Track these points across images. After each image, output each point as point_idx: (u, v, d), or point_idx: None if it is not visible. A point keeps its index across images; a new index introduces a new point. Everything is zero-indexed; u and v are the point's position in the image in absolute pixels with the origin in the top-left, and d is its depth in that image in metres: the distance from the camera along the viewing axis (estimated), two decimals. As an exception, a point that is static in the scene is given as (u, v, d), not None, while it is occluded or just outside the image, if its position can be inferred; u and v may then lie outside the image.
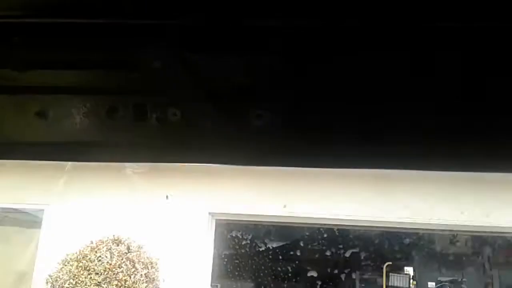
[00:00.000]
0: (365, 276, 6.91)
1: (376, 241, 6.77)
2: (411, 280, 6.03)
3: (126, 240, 4.58)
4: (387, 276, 5.93)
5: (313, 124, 0.64)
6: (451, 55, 0.61)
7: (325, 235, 6.69)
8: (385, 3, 0.58)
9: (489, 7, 0.57)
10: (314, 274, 6.68)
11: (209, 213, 5.01)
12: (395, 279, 5.99)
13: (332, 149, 0.68)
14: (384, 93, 0.65)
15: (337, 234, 6.64)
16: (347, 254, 6.62)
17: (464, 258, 6.79)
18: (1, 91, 0.68)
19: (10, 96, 0.68)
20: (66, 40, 0.64)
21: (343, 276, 6.78)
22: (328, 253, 6.78)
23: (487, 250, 6.86)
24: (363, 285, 6.90)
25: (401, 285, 5.95)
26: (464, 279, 6.39)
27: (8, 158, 0.68)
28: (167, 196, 4.72)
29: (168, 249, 4.44)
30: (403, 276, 6.00)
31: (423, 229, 6.20)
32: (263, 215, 5.17)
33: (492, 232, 6.19)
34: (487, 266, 6.66)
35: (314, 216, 5.06)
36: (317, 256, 6.69)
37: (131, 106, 0.65)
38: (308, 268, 6.73)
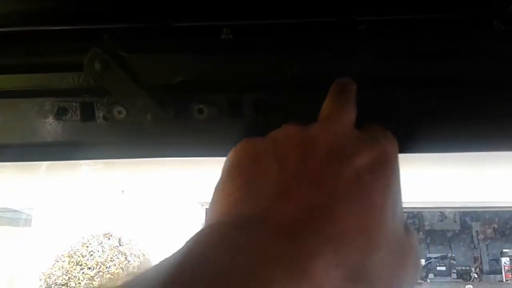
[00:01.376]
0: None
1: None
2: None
3: (117, 234, 4.62)
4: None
5: (252, 117, 0.68)
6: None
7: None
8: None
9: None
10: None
11: (199, 203, 5.06)
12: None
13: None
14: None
15: None
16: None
17: (452, 234, 6.91)
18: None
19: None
20: (13, 47, 0.68)
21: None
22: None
23: (475, 225, 6.99)
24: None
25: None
26: (453, 255, 6.52)
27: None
28: (122, 191, 4.74)
29: (160, 241, 4.49)
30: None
31: (412, 207, 6.29)
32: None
33: (478, 208, 6.30)
34: (475, 240, 6.79)
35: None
36: None
37: (79, 106, 0.69)
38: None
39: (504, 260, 6.07)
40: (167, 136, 0.67)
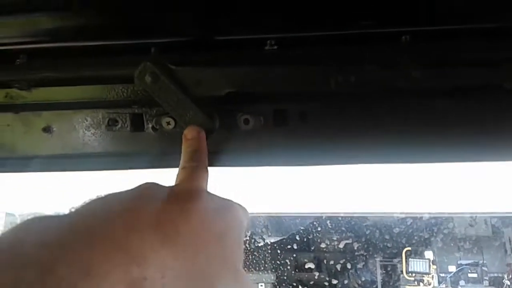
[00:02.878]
0: (385, 263, 6.95)
1: (394, 228, 6.79)
2: (431, 265, 6.05)
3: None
4: (407, 262, 5.96)
5: (297, 127, 0.69)
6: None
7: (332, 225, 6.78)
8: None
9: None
10: (333, 262, 6.75)
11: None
12: (415, 264, 6.01)
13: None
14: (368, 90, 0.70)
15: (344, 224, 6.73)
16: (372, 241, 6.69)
17: (484, 240, 6.77)
18: (10, 109, 0.74)
19: (18, 113, 0.74)
20: (65, 60, 0.70)
21: (363, 263, 6.85)
22: (343, 242, 6.83)
23: (507, 231, 6.83)
24: (383, 271, 6.94)
25: (421, 270, 5.97)
26: (484, 262, 6.38)
27: (18, 171, 0.74)
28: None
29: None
30: (423, 261, 6.02)
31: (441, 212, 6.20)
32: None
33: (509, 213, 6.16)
34: (507, 247, 6.63)
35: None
36: (331, 246, 6.76)
37: (129, 117, 0.71)
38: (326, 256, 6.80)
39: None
40: (214, 146, 0.69)
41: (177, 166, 0.62)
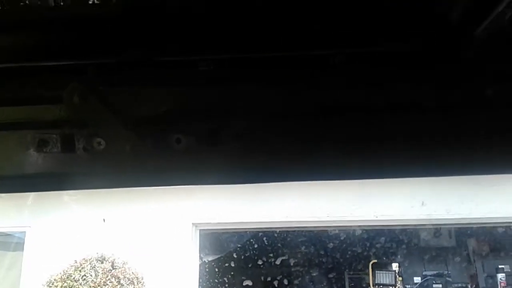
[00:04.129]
0: (354, 275, 6.99)
1: (361, 241, 6.85)
2: (397, 276, 6.11)
3: (110, 257, 4.58)
4: (373, 274, 6.00)
5: (232, 146, 0.69)
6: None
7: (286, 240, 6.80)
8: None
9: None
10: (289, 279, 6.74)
11: (193, 224, 5.03)
12: (381, 277, 6.06)
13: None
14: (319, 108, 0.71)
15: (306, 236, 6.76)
16: (338, 255, 6.74)
17: (448, 251, 6.89)
18: None
19: None
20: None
21: (333, 276, 6.88)
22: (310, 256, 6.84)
23: (471, 242, 6.97)
24: (352, 284, 6.97)
25: (387, 282, 6.02)
26: (449, 272, 6.48)
27: None
28: (104, 220, 4.74)
29: (154, 263, 4.45)
30: (389, 273, 6.07)
31: (407, 224, 6.29)
32: (248, 222, 5.22)
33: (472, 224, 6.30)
34: (471, 258, 6.77)
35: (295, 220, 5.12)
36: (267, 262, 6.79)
37: (59, 138, 0.70)
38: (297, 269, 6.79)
39: (500, 276, 6.05)
40: (146, 166, 0.68)
41: (110, 187, 0.61)
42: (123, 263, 4.77)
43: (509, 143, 0.66)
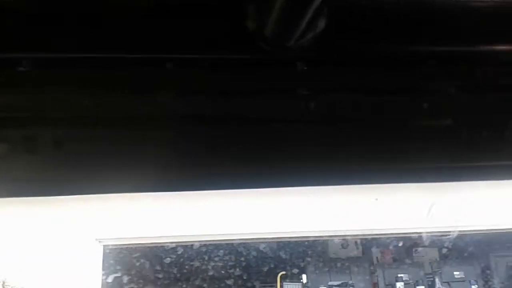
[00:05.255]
0: (264, 287, 7.04)
1: (271, 253, 6.93)
2: (304, 287, 6.23)
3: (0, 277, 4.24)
4: (281, 285, 6.08)
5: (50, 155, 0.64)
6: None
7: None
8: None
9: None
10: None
11: (96, 239, 4.80)
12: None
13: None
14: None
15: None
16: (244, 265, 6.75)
17: (353, 261, 7.13)
18: None
19: None
20: None
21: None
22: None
23: (374, 252, 7.28)
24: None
25: (294, 293, 6.12)
26: (352, 282, 6.71)
27: None
28: None
29: (50, 285, 4.18)
30: (296, 284, 6.18)
31: (316, 236, 6.43)
32: (159, 236, 5.06)
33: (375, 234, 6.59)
34: (373, 267, 7.06)
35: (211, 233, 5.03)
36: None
37: None
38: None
39: (399, 285, 6.36)
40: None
41: None
42: (17, 283, 4.45)
43: (321, 155, 0.67)
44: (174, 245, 6.29)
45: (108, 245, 5.42)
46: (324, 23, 0.76)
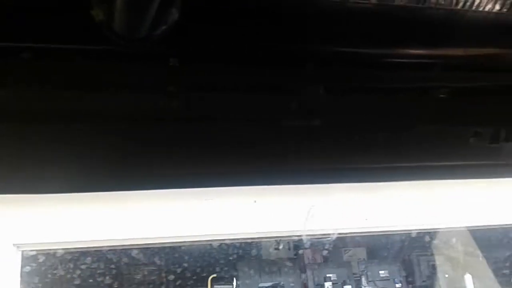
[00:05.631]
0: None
1: (202, 255, 6.88)
2: (235, 290, 6.22)
3: None
4: (212, 288, 6.04)
5: None
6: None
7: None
8: None
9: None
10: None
11: (14, 245, 4.56)
12: (219, 291, 6.12)
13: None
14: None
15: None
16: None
17: (285, 262, 7.21)
18: None
19: None
20: None
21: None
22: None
23: (306, 252, 7.39)
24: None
25: (225, 296, 6.09)
26: (282, 283, 6.78)
27: None
28: None
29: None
30: (227, 286, 6.17)
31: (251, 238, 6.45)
32: (79, 241, 4.88)
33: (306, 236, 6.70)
34: (304, 268, 7.17)
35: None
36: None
37: None
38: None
39: (327, 284, 6.49)
40: None
41: None
42: None
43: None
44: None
45: (28, 251, 5.16)
46: (177, 14, 0.74)
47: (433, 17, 1.20)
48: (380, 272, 6.61)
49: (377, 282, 6.60)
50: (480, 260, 5.62)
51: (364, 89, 1.19)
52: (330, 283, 6.65)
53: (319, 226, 1.72)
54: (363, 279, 6.65)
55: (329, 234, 1.88)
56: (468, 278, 5.40)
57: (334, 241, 7.67)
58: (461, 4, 1.27)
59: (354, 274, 6.81)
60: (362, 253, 7.27)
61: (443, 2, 1.26)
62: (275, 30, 1.01)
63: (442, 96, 1.18)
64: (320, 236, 1.96)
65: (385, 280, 6.54)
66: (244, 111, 1.01)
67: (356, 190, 1.63)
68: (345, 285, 6.66)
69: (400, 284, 6.39)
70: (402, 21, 1.14)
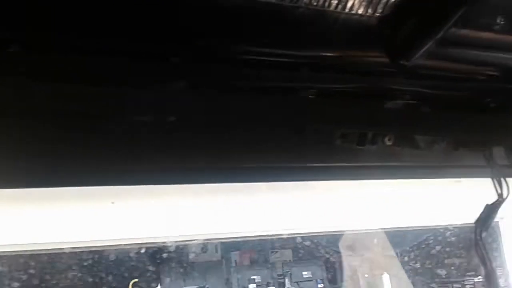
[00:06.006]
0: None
1: (124, 260, 6.67)
2: (155, 294, 6.08)
3: None
4: (132, 294, 5.86)
5: None
6: None
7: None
8: None
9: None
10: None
11: None
12: (139, 296, 5.95)
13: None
14: None
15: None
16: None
17: (211, 265, 7.15)
18: None
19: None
20: None
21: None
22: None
23: (234, 254, 7.36)
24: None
25: (145, 301, 5.94)
26: (207, 286, 6.71)
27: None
28: None
29: None
30: (148, 291, 6.01)
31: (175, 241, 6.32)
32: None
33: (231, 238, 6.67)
34: (231, 270, 7.14)
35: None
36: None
37: None
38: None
39: (251, 286, 6.49)
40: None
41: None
42: None
43: None
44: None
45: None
46: None
47: (305, 17, 1.18)
48: (304, 273, 6.71)
49: (300, 283, 6.69)
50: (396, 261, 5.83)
51: (228, 87, 1.15)
52: (254, 285, 6.65)
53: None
54: (287, 280, 6.72)
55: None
56: (385, 277, 5.59)
57: (261, 243, 7.69)
58: (333, 6, 1.26)
59: (278, 275, 6.86)
60: (288, 254, 7.34)
61: (315, 4, 1.25)
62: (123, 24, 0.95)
63: (310, 96, 1.17)
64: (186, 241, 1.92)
65: (308, 281, 6.64)
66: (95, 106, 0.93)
67: (226, 191, 1.59)
68: (268, 286, 6.70)
69: (322, 285, 6.51)
70: (269, 18, 1.12)
